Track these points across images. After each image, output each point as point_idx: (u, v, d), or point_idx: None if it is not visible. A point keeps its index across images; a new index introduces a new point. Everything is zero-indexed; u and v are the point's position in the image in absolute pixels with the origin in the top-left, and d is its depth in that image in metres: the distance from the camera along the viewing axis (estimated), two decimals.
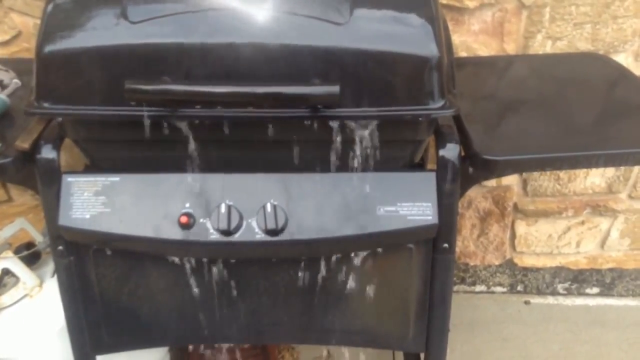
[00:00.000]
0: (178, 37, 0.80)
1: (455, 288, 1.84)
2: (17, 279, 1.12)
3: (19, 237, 1.19)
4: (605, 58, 1.33)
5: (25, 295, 1.13)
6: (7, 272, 1.11)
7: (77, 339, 1.07)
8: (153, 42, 0.80)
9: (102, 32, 0.81)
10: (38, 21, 0.84)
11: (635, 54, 1.43)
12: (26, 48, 1.37)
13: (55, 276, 1.03)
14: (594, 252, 1.77)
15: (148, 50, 0.81)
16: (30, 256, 1.16)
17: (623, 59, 1.42)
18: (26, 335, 1.12)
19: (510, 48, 1.42)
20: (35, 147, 0.91)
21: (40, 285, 1.15)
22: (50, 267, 1.18)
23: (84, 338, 1.07)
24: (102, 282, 1.02)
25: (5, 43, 1.37)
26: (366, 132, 0.86)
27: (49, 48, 0.81)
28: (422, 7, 0.84)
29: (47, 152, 0.92)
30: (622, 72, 1.23)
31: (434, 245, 0.98)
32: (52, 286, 1.12)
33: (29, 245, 1.18)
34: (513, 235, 1.73)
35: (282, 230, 0.92)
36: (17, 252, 1.15)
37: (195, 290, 1.02)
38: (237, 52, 0.80)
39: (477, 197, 1.65)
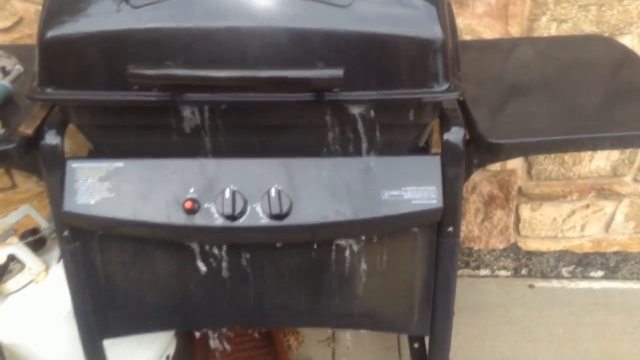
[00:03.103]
0: (180, 21, 0.80)
1: (460, 272, 1.84)
2: (23, 265, 1.13)
3: (24, 224, 1.20)
4: (611, 40, 1.32)
5: (31, 281, 1.13)
6: (12, 258, 1.11)
7: (84, 323, 1.08)
8: (155, 26, 0.80)
9: (104, 17, 0.81)
10: (39, 7, 0.84)
11: None
12: (28, 34, 1.37)
13: (61, 262, 1.03)
14: (598, 235, 1.77)
15: (150, 35, 0.80)
16: (36, 242, 1.17)
17: (628, 41, 1.41)
18: (33, 320, 1.13)
19: (515, 31, 1.40)
20: (39, 132, 0.91)
21: (46, 270, 1.15)
22: (55, 252, 1.19)
23: (90, 323, 1.08)
24: (107, 267, 1.03)
25: (7, 30, 1.37)
26: (370, 116, 0.86)
27: (51, 34, 0.81)
28: None
29: (51, 138, 0.92)
30: (628, 55, 1.22)
31: (439, 229, 0.98)
32: (58, 272, 1.13)
33: (34, 231, 1.18)
34: (517, 219, 1.73)
35: (286, 215, 0.92)
36: (22, 238, 1.15)
37: (200, 275, 1.02)
38: (240, 36, 0.80)
39: (482, 181, 1.64)
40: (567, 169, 1.61)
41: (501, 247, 1.80)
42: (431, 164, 0.94)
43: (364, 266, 1.02)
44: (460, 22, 1.38)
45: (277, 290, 1.06)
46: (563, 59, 1.20)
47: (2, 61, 1.08)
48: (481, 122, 0.93)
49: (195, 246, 0.99)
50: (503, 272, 1.86)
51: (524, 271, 1.86)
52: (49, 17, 0.82)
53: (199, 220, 0.92)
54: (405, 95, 0.84)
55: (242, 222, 0.92)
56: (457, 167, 0.93)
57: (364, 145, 0.91)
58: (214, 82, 0.80)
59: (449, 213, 0.95)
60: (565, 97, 1.04)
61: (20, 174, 1.58)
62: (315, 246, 1.00)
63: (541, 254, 1.81)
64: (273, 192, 0.91)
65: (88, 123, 0.93)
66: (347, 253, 1.00)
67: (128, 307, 1.08)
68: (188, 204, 0.91)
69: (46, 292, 1.14)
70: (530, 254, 1.82)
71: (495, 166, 1.62)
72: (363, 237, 0.99)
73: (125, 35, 0.80)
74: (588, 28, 1.39)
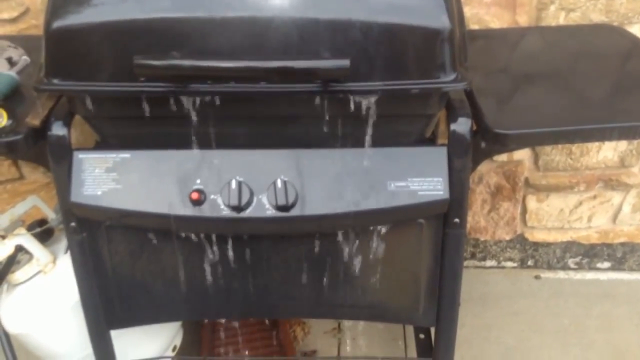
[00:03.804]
0: (187, 11, 0.79)
1: (466, 263, 1.84)
2: (31, 256, 1.13)
3: (32, 215, 1.20)
4: (620, 29, 1.31)
5: (39, 272, 1.14)
6: (20, 248, 1.12)
7: (91, 314, 1.08)
8: (162, 16, 0.80)
9: (110, 7, 0.81)
10: None
11: None
12: (34, 25, 1.37)
13: (69, 252, 1.04)
14: (605, 226, 1.76)
15: (157, 25, 0.80)
16: (43, 233, 1.17)
17: (638, 30, 1.40)
18: (41, 310, 1.14)
19: (523, 20, 1.39)
20: (46, 124, 0.91)
21: (54, 261, 1.16)
22: (63, 243, 1.19)
23: (97, 313, 1.08)
24: (114, 257, 1.03)
25: (13, 20, 1.37)
26: (377, 107, 0.85)
27: (57, 24, 0.81)
28: None
29: (58, 129, 0.92)
30: (637, 44, 1.21)
31: (445, 220, 0.98)
32: (65, 262, 1.14)
33: (42, 222, 1.19)
34: (524, 210, 1.73)
35: (292, 206, 0.92)
36: (30, 229, 1.16)
37: (207, 265, 1.02)
38: (246, 26, 0.79)
39: (488, 172, 1.64)
40: (575, 160, 1.60)
41: (507, 238, 1.79)
42: (438, 155, 0.93)
43: (370, 257, 1.02)
44: (468, 11, 1.37)
45: (283, 281, 1.06)
46: (571, 49, 1.19)
47: (8, 52, 1.08)
48: (488, 112, 0.93)
49: (201, 237, 0.99)
50: (509, 263, 1.86)
51: (530, 262, 1.85)
52: (55, 8, 0.81)
53: (205, 211, 0.92)
54: (411, 85, 0.83)
55: (248, 213, 0.92)
56: (464, 158, 0.93)
57: (370, 136, 0.91)
58: (220, 72, 0.80)
59: (455, 204, 0.95)
60: (573, 87, 1.03)
61: (28, 165, 1.58)
62: (321, 237, 1.00)
63: (548, 245, 1.81)
64: (279, 183, 0.91)
65: (94, 114, 0.92)
66: (353, 244, 1.00)
67: (135, 297, 1.08)
68: (194, 195, 0.91)
69: (54, 282, 1.14)
70: (536, 245, 1.81)
71: (502, 157, 1.61)
72: (369, 229, 0.99)
73: (132, 25, 0.80)
74: (597, 17, 1.38)
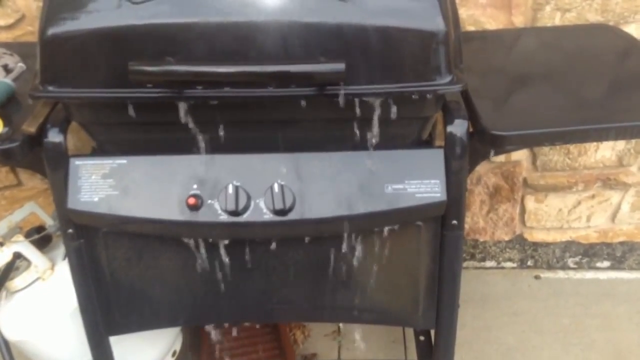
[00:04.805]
0: (181, 17, 0.79)
1: (465, 264, 1.84)
2: (29, 263, 1.13)
3: (30, 221, 1.20)
4: (616, 29, 1.31)
5: (38, 279, 1.14)
6: (18, 255, 1.12)
7: (90, 320, 1.08)
8: (156, 22, 0.79)
9: (105, 13, 0.80)
10: (41, 3, 0.84)
11: None
12: (30, 31, 1.37)
13: (67, 259, 1.03)
14: (604, 225, 1.76)
15: (151, 31, 0.80)
16: (41, 240, 1.17)
17: (634, 29, 1.40)
18: (39, 317, 1.13)
19: (519, 21, 1.40)
20: (42, 130, 0.91)
21: (52, 268, 1.16)
22: (61, 250, 1.19)
23: (96, 319, 1.08)
24: (112, 264, 1.03)
25: (9, 27, 1.37)
26: (373, 110, 0.85)
27: (52, 31, 0.81)
28: None
29: (54, 136, 0.92)
30: (633, 43, 1.21)
31: (443, 222, 0.98)
32: (63, 269, 1.13)
33: (40, 228, 1.18)
34: (523, 211, 1.73)
35: (289, 210, 0.91)
36: (27, 235, 1.15)
37: (205, 270, 1.02)
38: (240, 31, 0.79)
39: (487, 172, 1.64)
40: (573, 160, 1.60)
41: (507, 238, 1.79)
42: (435, 157, 0.93)
43: (368, 260, 1.02)
44: (464, 12, 1.37)
45: (282, 285, 1.06)
46: (567, 49, 1.19)
47: (4, 59, 1.08)
48: (484, 114, 0.93)
49: (199, 242, 0.99)
50: (509, 264, 1.86)
51: (529, 262, 1.85)
52: (50, 14, 0.81)
53: (202, 216, 0.92)
54: (407, 88, 0.83)
55: (245, 217, 0.92)
56: (461, 160, 0.93)
57: (367, 139, 0.91)
58: (215, 77, 0.80)
59: (453, 206, 0.95)
60: (569, 88, 1.03)
61: (26, 171, 1.58)
62: (319, 240, 0.99)
63: (547, 245, 1.81)
64: (276, 187, 0.91)
65: (90, 120, 0.92)
66: (351, 247, 1.00)
67: (133, 303, 1.08)
68: (191, 200, 0.91)
69: (52, 289, 1.14)
70: (536, 245, 1.81)
71: (500, 157, 1.61)
72: (367, 231, 0.98)
73: (127, 31, 0.80)
74: (593, 17, 1.38)
